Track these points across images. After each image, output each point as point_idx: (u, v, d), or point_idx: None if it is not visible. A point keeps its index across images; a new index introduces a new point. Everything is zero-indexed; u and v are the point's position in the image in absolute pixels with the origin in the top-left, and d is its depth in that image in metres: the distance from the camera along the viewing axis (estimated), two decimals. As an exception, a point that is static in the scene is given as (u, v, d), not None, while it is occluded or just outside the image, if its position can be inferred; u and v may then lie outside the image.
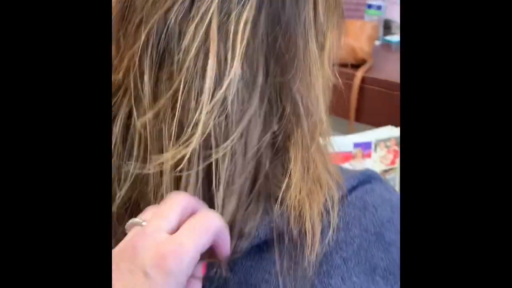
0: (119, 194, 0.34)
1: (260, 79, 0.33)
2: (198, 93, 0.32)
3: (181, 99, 0.32)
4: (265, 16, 0.33)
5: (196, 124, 0.32)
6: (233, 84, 0.32)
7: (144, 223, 0.30)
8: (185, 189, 0.33)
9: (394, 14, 1.50)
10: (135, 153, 0.34)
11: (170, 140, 0.33)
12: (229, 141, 0.32)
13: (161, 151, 0.33)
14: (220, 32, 0.32)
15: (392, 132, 1.02)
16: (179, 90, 0.32)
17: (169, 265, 0.27)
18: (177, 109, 0.32)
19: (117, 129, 0.34)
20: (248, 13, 0.32)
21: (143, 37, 0.32)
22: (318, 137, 0.37)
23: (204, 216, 0.30)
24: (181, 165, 0.32)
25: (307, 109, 0.35)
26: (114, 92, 0.35)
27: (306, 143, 0.35)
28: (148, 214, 0.31)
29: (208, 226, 0.29)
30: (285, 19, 0.34)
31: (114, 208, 0.34)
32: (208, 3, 0.32)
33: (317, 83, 0.36)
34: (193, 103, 0.32)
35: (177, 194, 0.32)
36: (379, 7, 1.50)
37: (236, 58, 0.32)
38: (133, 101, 0.34)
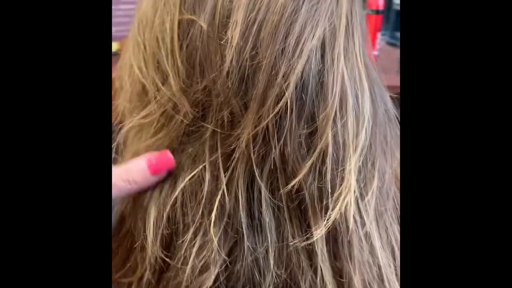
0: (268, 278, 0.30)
1: (380, 109, 0.33)
2: (343, 142, 0.30)
3: (332, 152, 0.29)
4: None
5: (349, 172, 0.30)
6: (369, 121, 0.31)
7: None
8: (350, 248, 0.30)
9: None
10: (273, 225, 0.30)
11: (322, 200, 0.30)
12: (374, 185, 0.31)
13: (302, 217, 0.30)
14: (349, 71, 0.30)
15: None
16: (328, 144, 0.29)
17: None
18: (328, 164, 0.29)
19: (241, 203, 0.30)
20: (360, 41, 0.31)
21: (287, 95, 0.28)
22: None
23: None
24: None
25: None
26: (226, 160, 0.30)
27: None
28: None
29: None
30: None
31: None
32: (338, 48, 0.30)
33: None
34: (341, 153, 0.30)
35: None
36: None
37: (365, 93, 0.31)
38: (256, 169, 0.29)
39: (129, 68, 0.33)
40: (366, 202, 0.31)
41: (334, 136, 0.30)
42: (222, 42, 0.28)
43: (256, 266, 0.30)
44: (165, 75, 0.30)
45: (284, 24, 0.28)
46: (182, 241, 0.30)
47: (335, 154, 0.30)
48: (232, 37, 0.28)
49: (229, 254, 0.30)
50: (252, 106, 0.28)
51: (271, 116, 0.28)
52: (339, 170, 0.30)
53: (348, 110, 0.30)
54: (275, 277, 0.30)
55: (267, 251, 0.30)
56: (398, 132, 0.35)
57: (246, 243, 0.30)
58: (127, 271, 0.32)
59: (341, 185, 0.30)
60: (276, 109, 0.28)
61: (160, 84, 0.30)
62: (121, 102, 0.35)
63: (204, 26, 0.28)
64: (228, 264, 0.30)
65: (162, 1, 0.30)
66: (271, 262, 0.30)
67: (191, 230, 0.30)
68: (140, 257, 0.31)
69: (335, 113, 0.29)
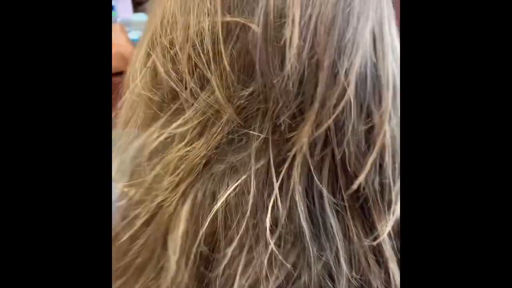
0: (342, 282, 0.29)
1: None
2: (397, 135, 0.29)
3: (390, 146, 0.29)
4: None
5: None
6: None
7: None
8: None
9: (127, 13, 1.41)
10: (339, 228, 0.29)
11: (384, 196, 0.29)
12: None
13: (365, 216, 0.29)
14: (395, 63, 0.30)
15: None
16: (387, 138, 0.29)
17: None
18: (387, 159, 0.29)
19: (300, 209, 0.28)
20: (395, 31, 0.31)
21: (350, 92, 0.27)
22: None
23: None
24: None
25: None
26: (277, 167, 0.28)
27: None
28: None
29: None
30: None
31: None
32: (386, 40, 0.29)
33: None
34: (396, 146, 0.29)
35: None
36: (112, 8, 1.36)
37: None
38: (315, 172, 0.28)
39: (141, 68, 0.31)
40: None
41: (392, 131, 0.29)
42: (280, 44, 0.26)
43: (327, 274, 0.29)
44: (204, 80, 0.28)
45: (340, 18, 0.27)
46: (228, 259, 0.29)
47: (391, 148, 0.29)
48: (291, 37, 0.26)
49: (294, 266, 0.29)
50: (313, 107, 0.27)
51: (333, 116, 0.27)
52: (396, 163, 0.30)
53: (398, 103, 0.29)
54: (350, 280, 0.29)
55: (336, 256, 0.29)
56: None
57: (312, 251, 0.29)
58: None
59: (399, 177, 0.30)
60: (340, 108, 0.27)
61: (198, 89, 0.28)
62: (129, 105, 0.33)
63: (257, 29, 0.26)
64: (294, 277, 0.29)
65: (195, 1, 0.28)
66: (344, 266, 0.29)
67: (235, 245, 0.29)
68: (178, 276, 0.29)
69: (391, 107, 0.29)
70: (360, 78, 0.28)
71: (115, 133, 0.33)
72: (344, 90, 0.27)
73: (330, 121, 0.27)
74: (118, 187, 0.32)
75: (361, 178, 0.28)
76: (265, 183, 0.29)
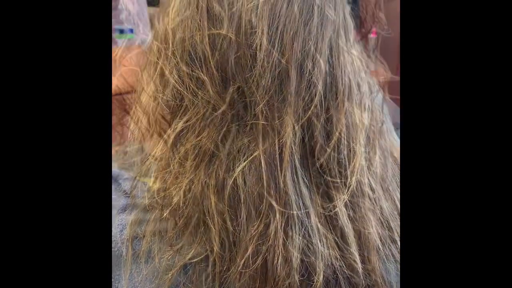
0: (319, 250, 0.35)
1: (374, 94, 0.40)
2: (352, 123, 0.37)
3: (346, 132, 0.36)
4: None
5: (359, 147, 0.37)
6: (369, 105, 0.38)
7: None
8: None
9: (145, 36, 1.46)
10: (310, 200, 0.36)
11: (341, 172, 0.36)
12: (377, 156, 0.38)
13: (325, 188, 0.37)
14: (350, 64, 0.37)
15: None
16: (343, 126, 0.36)
17: None
18: (343, 143, 0.36)
19: (290, 184, 0.35)
20: (352, 38, 0.38)
21: (320, 88, 0.34)
22: None
23: None
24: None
25: None
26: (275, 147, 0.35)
27: None
28: None
29: None
30: None
31: None
32: (341, 45, 0.36)
33: None
34: (352, 132, 0.37)
35: None
36: (131, 30, 1.47)
37: (364, 81, 0.38)
38: (295, 153, 0.35)
39: (154, 75, 0.37)
40: (373, 171, 0.38)
41: (347, 119, 0.36)
42: (252, 48, 0.33)
43: (309, 241, 0.35)
44: (200, 81, 0.35)
45: (302, 30, 0.34)
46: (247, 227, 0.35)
47: (347, 134, 0.36)
48: (261, 43, 0.33)
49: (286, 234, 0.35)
50: (290, 99, 0.34)
51: (312, 107, 0.34)
52: (351, 146, 0.36)
53: (353, 96, 0.36)
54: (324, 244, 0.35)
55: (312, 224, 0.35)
56: (387, 112, 0.42)
57: (298, 221, 0.35)
58: (198, 252, 0.36)
59: (354, 157, 0.36)
60: (315, 101, 0.34)
61: (196, 89, 0.35)
62: (142, 107, 0.39)
63: (233, 37, 0.34)
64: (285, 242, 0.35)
65: (188, 19, 0.35)
66: (316, 231, 0.35)
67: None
68: (208, 235, 0.36)
69: (345, 99, 0.36)
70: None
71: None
72: (312, 86, 0.34)
73: (310, 112, 0.34)
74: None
75: (325, 156, 0.35)
76: (268, 162, 0.34)
